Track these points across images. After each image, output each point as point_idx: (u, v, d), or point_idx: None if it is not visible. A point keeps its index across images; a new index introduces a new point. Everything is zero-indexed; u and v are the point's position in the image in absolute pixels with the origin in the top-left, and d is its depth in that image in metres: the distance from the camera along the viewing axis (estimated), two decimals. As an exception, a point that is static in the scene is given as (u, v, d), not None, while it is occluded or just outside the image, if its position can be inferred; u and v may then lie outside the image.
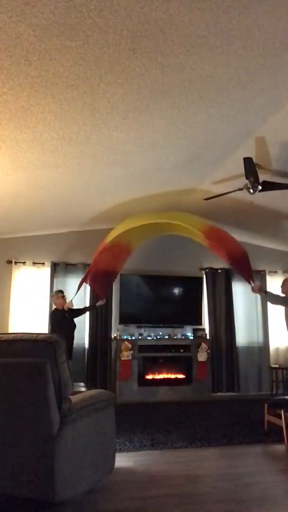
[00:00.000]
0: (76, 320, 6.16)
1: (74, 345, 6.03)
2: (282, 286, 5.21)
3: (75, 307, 6.02)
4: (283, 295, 5.06)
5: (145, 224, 5.11)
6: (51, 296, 6.22)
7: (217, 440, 4.21)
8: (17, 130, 3.36)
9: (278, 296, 5.09)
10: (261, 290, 5.33)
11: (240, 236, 7.56)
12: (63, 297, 5.97)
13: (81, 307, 6.38)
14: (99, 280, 5.95)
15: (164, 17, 2.27)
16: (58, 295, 6.01)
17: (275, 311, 7.44)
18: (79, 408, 2.73)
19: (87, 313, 6.77)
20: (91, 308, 6.62)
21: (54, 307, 6.10)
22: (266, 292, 5.27)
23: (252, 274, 5.05)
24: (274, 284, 7.69)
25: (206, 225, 5.08)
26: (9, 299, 6.72)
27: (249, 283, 4.99)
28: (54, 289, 6.79)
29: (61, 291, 6.08)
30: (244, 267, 5.00)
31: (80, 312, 6.12)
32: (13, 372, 2.58)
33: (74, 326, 5.98)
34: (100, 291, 6.26)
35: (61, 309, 5.93)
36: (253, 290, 5.12)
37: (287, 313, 5.00)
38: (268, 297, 5.18)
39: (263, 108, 3.42)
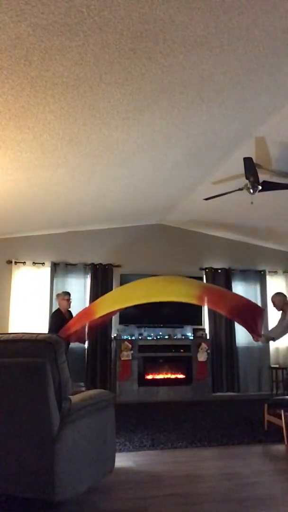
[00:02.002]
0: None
1: (74, 345, 6.04)
2: (275, 306, 5.21)
3: (76, 307, 6.07)
4: (279, 313, 5.07)
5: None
6: (57, 295, 6.24)
7: (217, 440, 4.21)
8: (17, 130, 3.36)
9: (280, 325, 5.05)
10: (268, 339, 5.13)
11: (240, 236, 7.60)
12: (68, 300, 5.99)
13: (82, 307, 6.40)
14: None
15: (164, 17, 2.27)
16: (64, 297, 6.03)
17: (275, 311, 7.44)
18: (79, 408, 2.73)
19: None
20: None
21: (57, 306, 6.13)
22: (273, 337, 5.07)
23: (257, 326, 4.74)
24: (274, 284, 7.71)
25: (199, 291, 4.80)
26: (9, 299, 6.72)
27: (254, 335, 4.64)
28: (54, 289, 6.82)
29: (68, 293, 6.10)
30: (248, 320, 4.74)
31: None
32: (13, 372, 2.58)
33: None
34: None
35: (63, 311, 5.96)
36: (256, 340, 4.86)
37: None
38: (277, 336, 5.01)
39: (263, 108, 3.42)
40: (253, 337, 4.70)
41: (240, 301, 4.77)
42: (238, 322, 5.15)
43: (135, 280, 5.28)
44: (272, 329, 5.20)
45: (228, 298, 4.91)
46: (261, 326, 4.56)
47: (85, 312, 5.08)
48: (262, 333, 4.93)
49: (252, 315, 4.55)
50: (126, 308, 5.47)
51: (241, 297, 5.16)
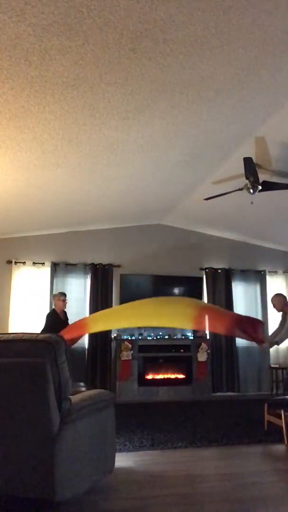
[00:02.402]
0: (76, 320, 6.18)
1: (74, 345, 6.04)
2: (275, 307, 5.21)
3: (76, 307, 6.08)
4: (279, 314, 5.07)
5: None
6: (54, 296, 6.26)
7: (217, 440, 4.21)
8: (17, 130, 3.36)
9: (281, 327, 5.03)
10: (272, 344, 5.13)
11: (240, 236, 7.60)
12: (64, 300, 6.01)
13: (82, 307, 6.44)
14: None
15: (164, 17, 2.27)
16: (60, 297, 6.04)
17: (275, 311, 7.44)
18: (79, 408, 2.73)
19: (87, 313, 6.82)
20: None
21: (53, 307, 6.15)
22: (276, 342, 5.04)
23: (258, 334, 4.70)
24: (274, 284, 7.72)
25: (196, 311, 4.63)
26: (9, 299, 6.72)
27: (258, 342, 4.73)
28: (54, 289, 6.82)
29: (64, 294, 6.11)
30: (249, 330, 4.69)
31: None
32: (13, 372, 2.58)
33: None
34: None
35: (59, 312, 5.98)
36: (262, 347, 4.92)
37: None
38: (281, 340, 4.97)
39: (263, 108, 3.42)
40: (258, 345, 4.68)
41: (238, 316, 4.74)
42: (239, 336, 5.09)
43: (131, 301, 5.16)
44: (274, 332, 5.18)
45: (226, 315, 4.82)
46: (263, 333, 4.54)
47: (78, 325, 4.96)
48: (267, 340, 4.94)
49: (251, 325, 4.53)
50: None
51: (239, 314, 5.12)
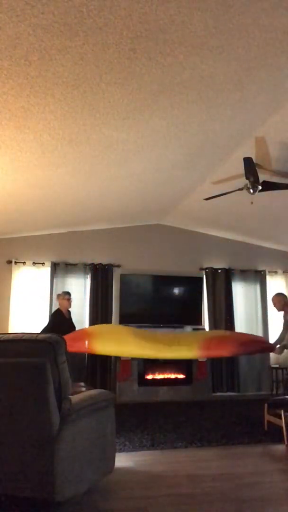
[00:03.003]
0: (75, 320, 6.21)
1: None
2: (275, 306, 5.21)
3: (76, 307, 6.10)
4: (280, 314, 5.08)
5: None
6: (58, 296, 6.26)
7: (217, 440, 4.21)
8: (17, 130, 3.35)
9: (286, 331, 5.04)
10: (282, 347, 5.07)
11: (240, 236, 7.60)
12: (69, 299, 6.02)
13: (82, 307, 6.45)
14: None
15: (164, 17, 2.27)
16: (65, 296, 6.06)
17: (275, 311, 7.44)
18: (79, 408, 2.73)
19: (87, 313, 6.82)
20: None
21: (57, 306, 6.16)
22: (285, 345, 5.04)
23: (266, 344, 4.70)
24: (274, 284, 7.71)
25: (201, 339, 4.71)
26: (9, 299, 6.72)
27: (269, 350, 4.72)
28: (54, 289, 6.82)
29: (68, 293, 6.13)
30: (257, 346, 4.68)
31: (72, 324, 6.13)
32: (13, 372, 2.58)
33: (73, 328, 6.03)
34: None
35: (64, 311, 5.99)
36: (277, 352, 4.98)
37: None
38: None
39: (263, 108, 3.42)
40: (273, 351, 4.68)
41: (244, 337, 4.71)
42: (247, 354, 5.06)
43: (140, 330, 5.03)
44: (279, 337, 5.16)
45: (231, 340, 4.78)
46: (269, 343, 4.53)
47: (81, 340, 4.71)
48: (277, 346, 4.93)
49: (258, 342, 4.51)
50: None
51: (243, 336, 5.07)
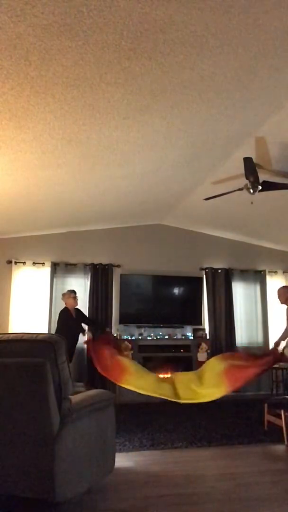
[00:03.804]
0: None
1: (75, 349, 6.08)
2: (279, 297, 5.21)
3: (77, 306, 6.14)
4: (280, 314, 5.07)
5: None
6: (63, 295, 6.28)
7: (217, 440, 4.21)
8: (17, 130, 3.35)
9: None
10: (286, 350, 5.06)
11: (240, 236, 7.60)
12: (75, 298, 6.04)
13: (82, 307, 6.47)
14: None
15: (164, 17, 2.27)
16: (70, 295, 6.08)
17: (275, 311, 7.44)
18: (79, 408, 2.73)
19: (87, 313, 6.85)
20: (91, 324, 6.58)
21: (58, 306, 6.18)
22: None
23: (275, 357, 4.62)
24: (274, 284, 7.71)
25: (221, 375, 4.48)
26: (9, 299, 6.72)
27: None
28: (54, 289, 6.84)
29: (73, 291, 6.14)
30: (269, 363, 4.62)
31: (87, 320, 6.18)
32: (13, 372, 2.58)
33: (81, 330, 6.04)
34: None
35: (71, 309, 6.01)
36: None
37: None
38: None
39: (263, 108, 3.42)
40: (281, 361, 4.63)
41: (257, 364, 4.61)
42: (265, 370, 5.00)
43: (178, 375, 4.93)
44: (283, 334, 5.14)
45: (246, 367, 4.68)
46: (278, 354, 4.45)
47: (116, 371, 4.47)
48: (283, 351, 4.88)
49: (266, 357, 4.43)
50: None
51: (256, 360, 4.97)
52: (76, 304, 6.09)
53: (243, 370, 4.44)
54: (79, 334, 6.03)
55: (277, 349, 5.00)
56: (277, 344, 5.08)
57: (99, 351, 4.70)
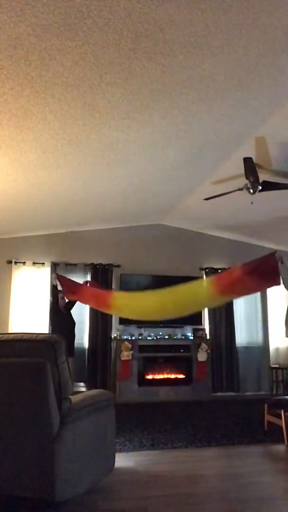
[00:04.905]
0: (76, 320, 6.21)
1: (74, 345, 6.07)
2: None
3: (77, 307, 6.17)
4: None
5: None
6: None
7: (217, 440, 4.21)
8: (17, 130, 3.36)
9: None
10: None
11: (240, 236, 7.60)
12: (62, 298, 6.04)
13: (82, 307, 6.47)
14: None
15: (164, 17, 2.27)
16: (59, 295, 6.08)
17: (275, 311, 7.45)
18: (79, 408, 2.73)
19: (87, 313, 6.84)
20: None
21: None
22: None
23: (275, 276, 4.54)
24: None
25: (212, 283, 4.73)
26: (9, 299, 6.72)
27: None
28: (53, 282, 6.83)
29: (62, 291, 6.14)
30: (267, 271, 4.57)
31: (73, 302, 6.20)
32: (13, 372, 2.58)
33: (73, 323, 6.07)
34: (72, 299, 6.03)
35: (59, 307, 6.03)
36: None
37: None
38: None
39: (263, 108, 3.42)
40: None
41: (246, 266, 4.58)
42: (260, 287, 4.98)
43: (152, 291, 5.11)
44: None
45: (236, 272, 4.68)
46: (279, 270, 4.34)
47: (102, 299, 5.07)
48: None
49: (268, 264, 4.34)
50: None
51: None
52: (64, 304, 6.09)
53: (236, 281, 4.47)
54: (74, 329, 6.07)
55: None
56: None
57: (87, 290, 5.38)
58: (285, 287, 4.47)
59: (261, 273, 4.38)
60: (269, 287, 4.59)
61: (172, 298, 4.69)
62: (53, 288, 6.07)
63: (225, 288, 4.49)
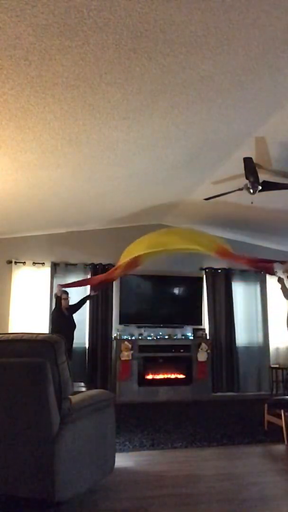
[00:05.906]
0: (76, 320, 6.20)
1: (74, 345, 6.07)
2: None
3: (71, 303, 6.13)
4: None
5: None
6: (57, 296, 6.27)
7: (217, 440, 4.21)
8: (17, 130, 3.36)
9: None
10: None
11: (239, 236, 7.59)
12: (66, 299, 6.03)
13: (82, 307, 6.45)
14: (102, 284, 6.20)
15: (164, 17, 2.27)
16: (62, 296, 6.07)
17: (275, 311, 7.45)
18: (79, 408, 2.73)
19: (88, 313, 6.83)
20: (87, 298, 6.60)
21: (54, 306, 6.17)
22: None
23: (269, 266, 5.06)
24: (274, 284, 7.70)
25: (218, 246, 5.13)
26: (9, 299, 6.72)
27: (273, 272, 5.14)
28: (54, 290, 6.82)
29: (65, 292, 6.13)
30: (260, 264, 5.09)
31: (78, 305, 6.20)
32: (13, 372, 2.58)
33: (74, 326, 6.05)
34: (97, 287, 6.40)
35: (62, 309, 6.01)
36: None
37: None
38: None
39: (263, 108, 3.42)
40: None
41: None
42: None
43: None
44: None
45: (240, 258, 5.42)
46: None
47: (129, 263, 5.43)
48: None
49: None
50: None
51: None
52: (67, 305, 6.09)
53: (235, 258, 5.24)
54: (73, 332, 6.05)
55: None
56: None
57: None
58: (285, 298, 4.90)
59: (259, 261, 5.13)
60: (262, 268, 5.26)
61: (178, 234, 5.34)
62: (55, 296, 6.12)
63: (225, 257, 5.16)
